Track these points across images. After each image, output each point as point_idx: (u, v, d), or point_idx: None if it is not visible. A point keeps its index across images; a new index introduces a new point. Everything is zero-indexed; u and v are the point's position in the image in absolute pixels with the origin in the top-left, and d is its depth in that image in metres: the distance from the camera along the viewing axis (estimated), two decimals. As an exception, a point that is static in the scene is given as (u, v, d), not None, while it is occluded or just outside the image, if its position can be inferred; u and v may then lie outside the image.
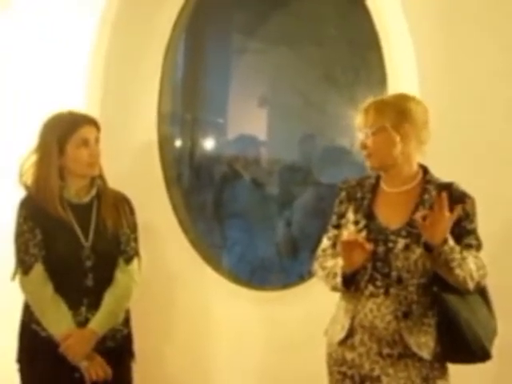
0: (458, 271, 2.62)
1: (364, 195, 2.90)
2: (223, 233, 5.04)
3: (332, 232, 2.97)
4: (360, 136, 2.86)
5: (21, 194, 3.33)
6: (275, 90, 5.03)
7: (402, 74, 3.48)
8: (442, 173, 2.88)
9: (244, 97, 5.16)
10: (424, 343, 2.73)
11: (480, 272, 2.69)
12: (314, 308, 3.55)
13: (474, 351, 2.71)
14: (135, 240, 3.39)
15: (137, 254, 3.39)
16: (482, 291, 2.78)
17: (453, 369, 2.82)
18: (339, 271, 2.80)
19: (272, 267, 4.80)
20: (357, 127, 2.89)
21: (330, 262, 2.89)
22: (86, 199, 3.31)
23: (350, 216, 2.88)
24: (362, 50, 4.22)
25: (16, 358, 3.31)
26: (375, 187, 2.91)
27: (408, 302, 2.73)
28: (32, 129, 3.36)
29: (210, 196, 5.02)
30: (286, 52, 4.81)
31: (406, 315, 2.73)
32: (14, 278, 3.27)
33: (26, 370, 3.29)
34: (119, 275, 3.32)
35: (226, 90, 5.19)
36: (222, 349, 4.18)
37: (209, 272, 4.40)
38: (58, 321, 3.20)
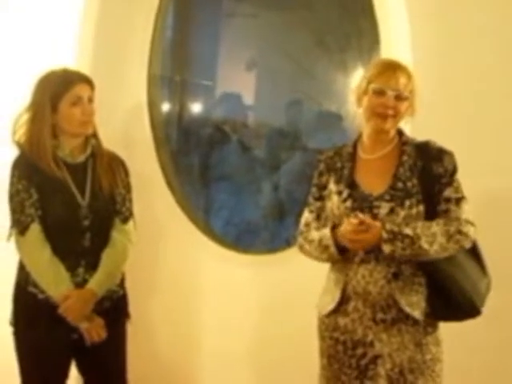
0: (422, 255, 2.70)
1: (343, 164, 2.89)
2: (210, 195, 5.05)
3: (314, 205, 2.96)
4: (388, 93, 2.77)
5: (13, 152, 3.28)
6: (264, 53, 5.02)
7: (395, 39, 3.48)
8: (433, 136, 2.88)
9: (233, 60, 5.14)
10: (416, 303, 2.74)
11: (457, 237, 2.70)
12: (301, 272, 3.56)
13: (461, 306, 2.74)
14: (130, 201, 3.37)
15: (132, 214, 3.37)
16: (472, 248, 2.79)
17: (445, 334, 2.84)
18: (330, 242, 2.79)
19: (258, 231, 4.81)
20: (385, 80, 2.79)
21: (315, 235, 2.89)
22: (81, 159, 3.26)
23: (332, 187, 2.88)
24: (354, 15, 4.20)
25: (10, 320, 3.26)
26: (353, 155, 2.90)
27: (397, 263, 2.74)
28: (22, 88, 3.33)
29: (198, 158, 5.02)
30: (277, 16, 4.78)
31: (396, 275, 2.75)
32: (9, 238, 3.22)
33: (22, 333, 3.24)
34: (116, 235, 3.30)
35: (215, 53, 5.17)
36: (208, 311, 4.20)
37: (196, 234, 4.41)
38: (57, 282, 3.15)
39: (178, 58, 5.08)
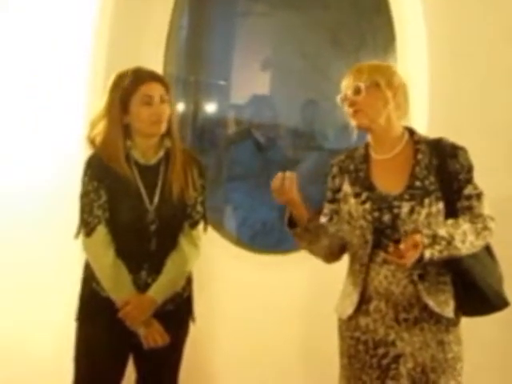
0: (455, 255, 2.66)
1: (357, 167, 2.87)
2: (225, 196, 5.05)
3: (328, 207, 2.94)
4: (347, 93, 2.79)
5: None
6: (279, 53, 5.02)
7: (411, 37, 3.48)
8: (450, 133, 2.85)
9: (248, 60, 5.14)
10: (444, 301, 2.73)
11: (484, 233, 2.69)
12: (316, 272, 3.55)
13: (490, 300, 2.73)
14: (202, 203, 3.28)
15: (203, 217, 3.29)
16: None
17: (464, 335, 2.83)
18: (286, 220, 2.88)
19: (273, 231, 4.80)
20: (343, 87, 2.82)
21: None
22: (153, 161, 3.18)
23: (347, 189, 2.86)
24: (369, 13, 4.20)
25: (75, 316, 3.24)
26: (366, 157, 2.89)
27: (421, 264, 2.69)
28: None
29: (213, 158, 5.01)
30: (291, 15, 4.78)
31: (422, 277, 2.72)
32: (77, 236, 3.18)
33: (82, 328, 3.21)
34: (183, 241, 3.23)
35: (229, 53, 5.18)
36: (221, 310, 4.19)
37: (211, 234, 4.39)
38: (118, 286, 3.12)
39: (193, 58, 5.08)
